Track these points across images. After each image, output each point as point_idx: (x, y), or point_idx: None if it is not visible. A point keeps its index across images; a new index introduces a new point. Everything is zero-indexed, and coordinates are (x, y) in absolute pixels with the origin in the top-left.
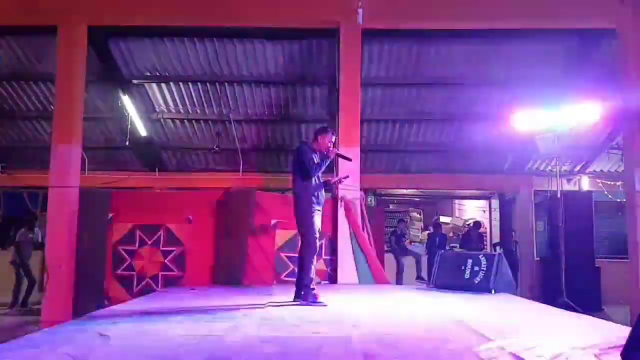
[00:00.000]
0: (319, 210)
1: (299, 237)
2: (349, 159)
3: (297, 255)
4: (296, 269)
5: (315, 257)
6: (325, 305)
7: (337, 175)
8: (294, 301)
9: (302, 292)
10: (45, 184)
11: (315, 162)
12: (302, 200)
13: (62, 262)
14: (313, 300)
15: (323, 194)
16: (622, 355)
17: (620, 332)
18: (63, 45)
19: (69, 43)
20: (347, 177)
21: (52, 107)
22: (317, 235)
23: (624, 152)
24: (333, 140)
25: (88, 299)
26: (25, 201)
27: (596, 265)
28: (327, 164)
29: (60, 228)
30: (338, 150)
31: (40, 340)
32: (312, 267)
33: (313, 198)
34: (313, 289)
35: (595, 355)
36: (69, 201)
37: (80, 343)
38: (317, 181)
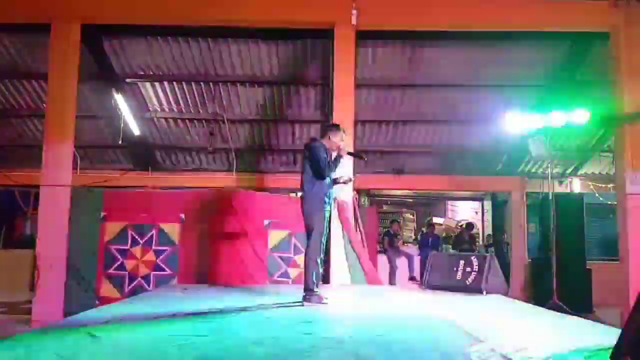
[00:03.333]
0: (328, 210)
1: (306, 237)
2: (363, 158)
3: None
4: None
5: (320, 258)
6: (326, 303)
7: None
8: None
9: (305, 295)
10: (37, 182)
11: (328, 160)
12: (313, 200)
13: (53, 261)
14: (317, 301)
15: (333, 194)
16: (611, 357)
17: (611, 334)
18: (56, 43)
19: (62, 41)
20: (353, 177)
21: (45, 106)
22: (325, 236)
23: (615, 155)
24: (344, 138)
25: (79, 298)
26: (17, 199)
27: (587, 267)
28: (339, 162)
29: (51, 227)
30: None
31: (30, 340)
32: (318, 268)
33: (325, 198)
34: (315, 291)
35: (585, 357)
36: (61, 200)
37: (70, 343)
38: (329, 180)
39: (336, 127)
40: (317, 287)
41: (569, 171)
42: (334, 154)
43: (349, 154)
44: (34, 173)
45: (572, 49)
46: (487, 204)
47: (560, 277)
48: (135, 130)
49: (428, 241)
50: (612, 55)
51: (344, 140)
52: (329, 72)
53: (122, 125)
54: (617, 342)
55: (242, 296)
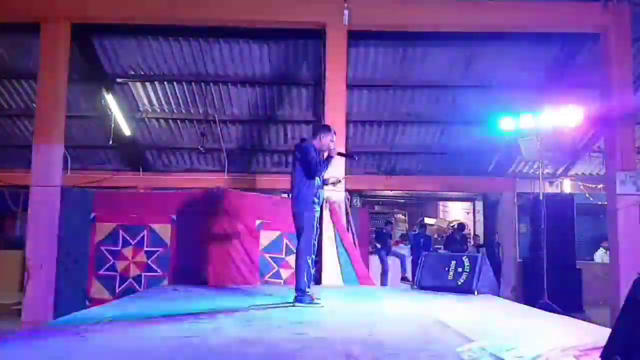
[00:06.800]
0: (318, 210)
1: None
2: (354, 158)
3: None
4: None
5: (311, 258)
6: (322, 306)
7: None
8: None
9: (296, 295)
10: (27, 183)
11: (318, 160)
12: (303, 200)
13: (43, 262)
14: (309, 302)
15: (323, 194)
16: (601, 357)
17: (601, 334)
18: (46, 43)
19: (52, 40)
20: (344, 177)
21: (34, 105)
22: (316, 237)
23: (606, 156)
24: (334, 139)
25: (69, 299)
26: (6, 200)
27: (577, 267)
28: (330, 163)
29: (41, 227)
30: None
31: (20, 341)
32: (308, 268)
33: (315, 198)
34: (307, 292)
35: (575, 357)
36: (51, 200)
37: (60, 344)
38: (318, 181)
39: (327, 128)
40: (308, 287)
41: (559, 172)
42: (325, 155)
43: (340, 154)
44: (23, 173)
45: (562, 49)
46: (479, 205)
47: (550, 277)
48: (126, 130)
49: (420, 241)
50: (602, 56)
51: (334, 141)
52: (321, 73)
53: (112, 125)
54: (607, 342)
55: (234, 297)
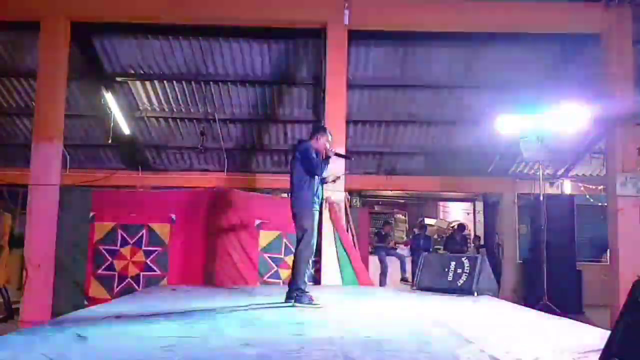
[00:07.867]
0: (317, 209)
1: (296, 238)
2: (350, 158)
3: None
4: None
5: (310, 259)
6: (321, 306)
7: None
8: (285, 302)
9: (296, 295)
10: (26, 181)
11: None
12: (302, 200)
13: (42, 261)
14: (308, 302)
15: (322, 193)
16: (601, 359)
17: (600, 335)
18: (45, 42)
19: (51, 39)
20: (344, 174)
21: (34, 104)
22: (315, 236)
23: (607, 157)
24: (330, 140)
25: (68, 299)
26: (5, 198)
27: (577, 268)
28: (329, 163)
29: (40, 226)
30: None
31: (18, 341)
32: (308, 268)
33: (315, 197)
34: (306, 292)
35: (575, 359)
36: (50, 199)
37: (58, 344)
38: (318, 180)
39: (323, 129)
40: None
41: (560, 172)
42: (322, 155)
43: (337, 154)
44: (22, 172)
45: (563, 50)
46: (479, 205)
47: (550, 278)
48: (125, 129)
49: (420, 242)
50: (603, 57)
51: (330, 142)
52: (321, 72)
53: (112, 124)
54: (607, 344)
55: (232, 297)
